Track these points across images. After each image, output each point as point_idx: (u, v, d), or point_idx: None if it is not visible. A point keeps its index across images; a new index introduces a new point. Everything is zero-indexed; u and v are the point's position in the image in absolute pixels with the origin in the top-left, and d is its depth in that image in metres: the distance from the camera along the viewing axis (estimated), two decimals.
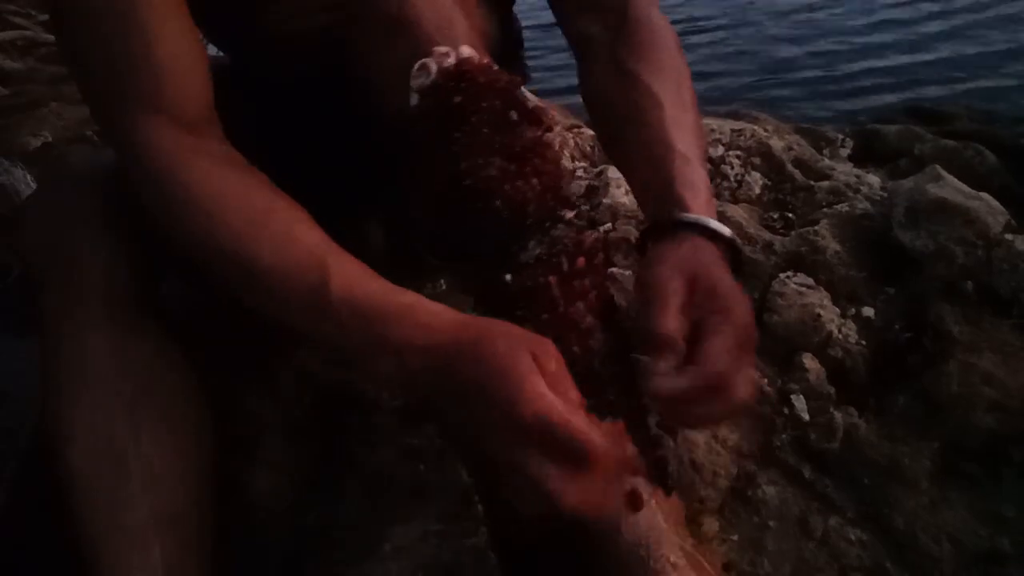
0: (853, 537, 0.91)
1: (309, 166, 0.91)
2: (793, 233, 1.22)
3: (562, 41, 0.90)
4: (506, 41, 0.97)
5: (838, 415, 0.99)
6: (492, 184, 0.66)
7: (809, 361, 1.04)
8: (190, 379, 0.86)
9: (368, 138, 0.77)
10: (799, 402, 1.01)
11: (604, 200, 1.38)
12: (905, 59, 3.42)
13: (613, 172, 1.41)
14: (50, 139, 2.15)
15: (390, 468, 1.00)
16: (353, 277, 0.65)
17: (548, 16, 0.90)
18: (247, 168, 0.73)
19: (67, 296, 0.82)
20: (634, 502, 0.67)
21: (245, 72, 0.97)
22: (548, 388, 0.57)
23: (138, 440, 0.80)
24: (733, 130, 1.48)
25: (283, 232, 0.68)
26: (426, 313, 0.63)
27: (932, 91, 2.94)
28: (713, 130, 1.50)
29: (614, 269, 1.19)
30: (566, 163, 1.60)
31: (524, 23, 1.14)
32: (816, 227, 1.20)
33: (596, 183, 1.45)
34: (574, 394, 0.60)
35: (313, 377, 1.11)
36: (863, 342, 1.07)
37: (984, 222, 1.10)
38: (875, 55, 3.51)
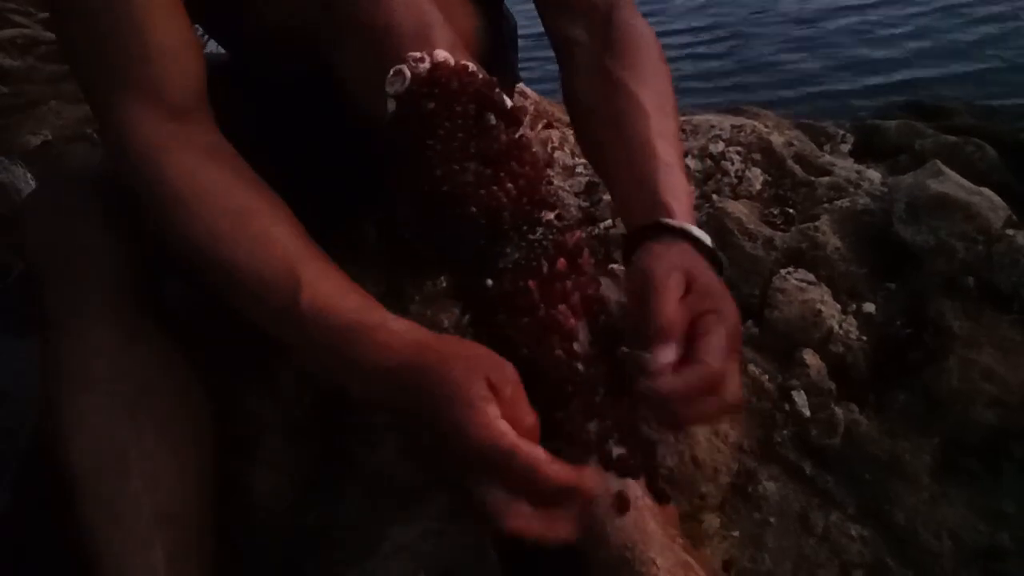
0: (854, 533, 0.91)
1: (308, 165, 0.92)
2: (794, 229, 1.22)
3: None
4: (495, 39, 0.97)
5: (839, 411, 0.99)
6: (468, 190, 0.66)
7: (810, 357, 1.04)
8: (191, 379, 0.87)
9: (364, 137, 0.77)
10: (800, 398, 1.01)
11: (604, 196, 1.38)
12: (906, 55, 3.41)
13: None
14: (50, 138, 2.15)
15: (390, 468, 1.00)
16: (324, 292, 0.65)
17: None
18: (233, 161, 0.73)
19: (68, 295, 0.82)
20: (621, 505, 0.67)
21: (245, 71, 0.97)
22: (502, 414, 0.58)
23: (139, 439, 0.80)
24: (733, 126, 1.48)
25: (261, 235, 0.68)
26: (389, 333, 0.64)
27: (933, 86, 2.94)
28: (713, 126, 1.49)
29: (614, 266, 1.19)
30: (566, 159, 1.60)
31: (525, 24, 1.14)
32: (817, 223, 1.20)
33: (596, 179, 1.45)
34: (530, 419, 0.61)
35: (313, 377, 1.11)
36: (864, 338, 1.07)
37: (985, 217, 1.10)
38: (875, 53, 3.51)
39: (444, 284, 1.19)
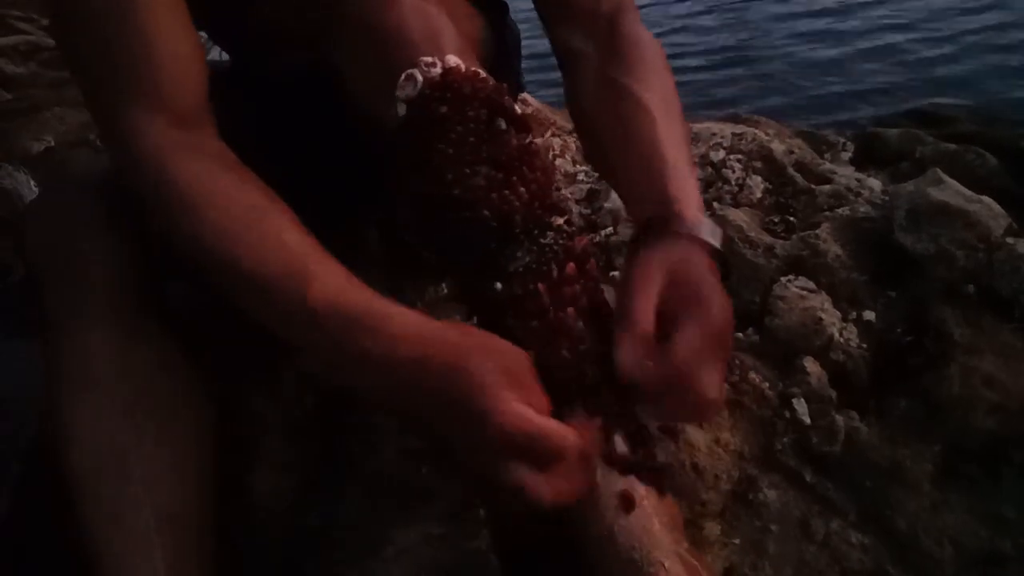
0: (855, 540, 0.91)
1: (308, 166, 0.92)
2: (794, 236, 1.22)
3: None
4: (499, 48, 0.98)
5: (839, 418, 0.99)
6: (479, 194, 0.66)
7: (810, 364, 1.04)
8: (192, 380, 0.87)
9: (366, 139, 0.78)
10: (800, 405, 1.01)
11: (605, 204, 1.39)
12: (906, 61, 3.42)
13: None
14: (52, 143, 2.16)
15: (391, 470, 1.00)
16: (335, 286, 0.65)
17: None
18: (238, 167, 0.73)
19: (70, 297, 0.82)
20: (626, 504, 0.68)
21: (244, 71, 0.97)
22: (518, 399, 0.59)
23: (139, 441, 0.80)
24: (734, 134, 1.48)
25: (268, 235, 0.68)
26: (400, 325, 0.64)
27: (933, 94, 2.95)
28: (714, 134, 1.50)
29: (615, 273, 1.19)
30: (568, 167, 1.60)
31: (527, 30, 1.15)
32: (817, 230, 1.20)
33: (597, 187, 1.46)
34: (543, 402, 0.62)
35: (314, 378, 1.11)
36: (864, 345, 1.07)
37: (985, 225, 1.10)
38: (875, 58, 3.52)
39: (446, 289, 1.19)
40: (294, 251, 0.67)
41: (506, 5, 1.08)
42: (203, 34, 0.83)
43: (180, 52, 0.74)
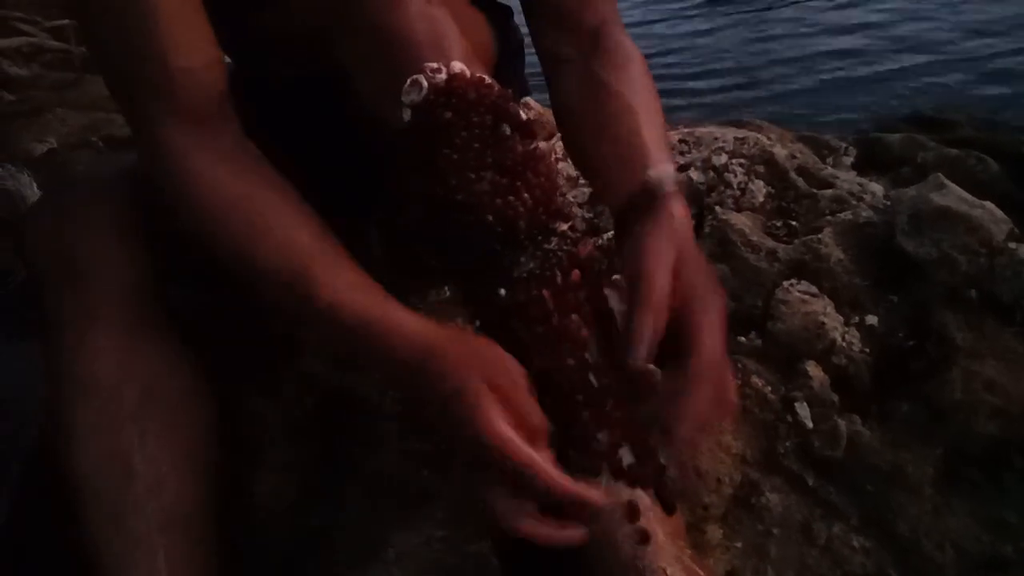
0: (856, 544, 0.91)
1: (310, 169, 0.92)
2: (796, 241, 1.22)
3: None
4: (504, 52, 0.98)
5: (841, 422, 0.99)
6: (484, 199, 0.66)
7: (812, 368, 1.04)
8: (196, 382, 0.87)
9: (369, 142, 0.78)
10: (803, 409, 1.01)
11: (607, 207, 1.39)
12: (907, 66, 3.42)
13: None
14: (55, 145, 2.16)
15: (392, 471, 1.01)
16: (340, 287, 0.67)
17: None
18: (258, 165, 0.75)
19: (72, 299, 0.82)
20: (631, 513, 0.68)
21: (245, 73, 0.97)
22: (506, 414, 0.59)
23: (143, 443, 0.80)
24: (736, 138, 1.48)
25: (280, 234, 0.70)
26: (398, 329, 0.65)
27: (934, 99, 2.95)
28: (716, 138, 1.50)
29: (616, 277, 1.19)
30: (570, 171, 1.61)
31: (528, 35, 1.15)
32: (819, 235, 1.20)
33: None
34: (535, 419, 0.62)
35: (315, 379, 1.11)
36: (866, 349, 1.07)
37: (987, 230, 1.11)
38: (876, 63, 3.52)
39: (448, 293, 1.19)
40: (303, 250, 0.69)
41: (510, 9, 1.09)
42: None
43: (201, 56, 0.75)
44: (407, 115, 0.68)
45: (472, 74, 0.68)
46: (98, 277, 0.82)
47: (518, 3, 1.02)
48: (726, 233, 1.21)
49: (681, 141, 1.51)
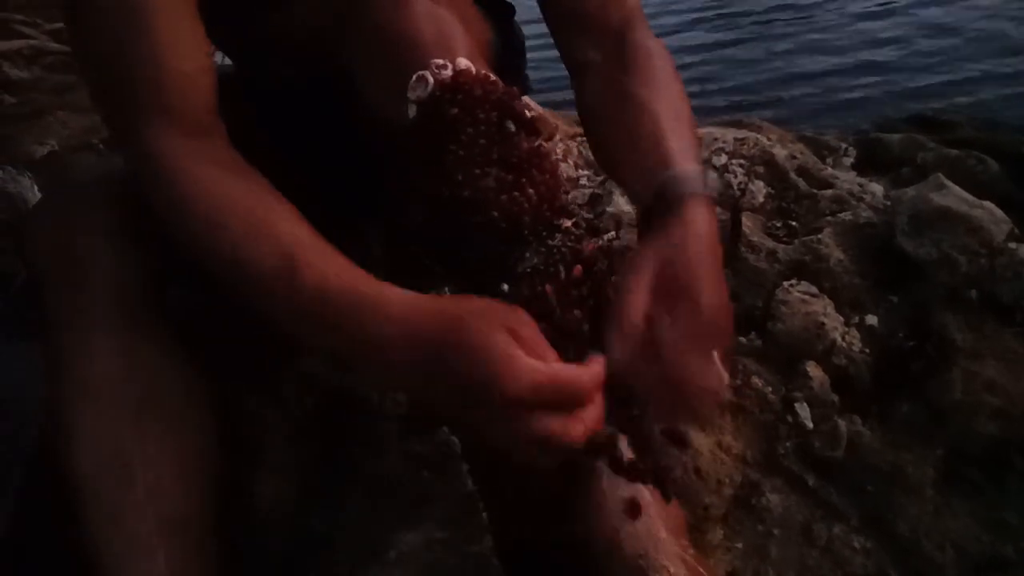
0: (857, 544, 0.91)
1: (310, 169, 0.92)
2: (796, 241, 1.23)
3: None
4: (506, 51, 0.98)
5: (842, 423, 0.99)
6: (488, 195, 0.66)
7: (813, 369, 1.04)
8: (196, 384, 0.86)
9: (370, 141, 0.78)
10: (803, 410, 1.01)
11: (607, 208, 1.39)
12: (907, 67, 3.42)
13: None
14: (56, 147, 2.16)
15: (393, 473, 1.01)
16: (323, 274, 0.65)
17: None
18: (249, 173, 0.74)
19: (73, 301, 0.82)
20: (633, 510, 0.68)
21: (246, 75, 0.97)
22: (528, 354, 0.58)
23: (144, 446, 0.80)
24: (736, 139, 1.48)
25: (261, 230, 0.69)
26: (401, 304, 0.63)
27: (934, 99, 2.95)
28: (716, 139, 1.50)
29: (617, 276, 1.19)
30: (570, 171, 1.61)
31: (529, 33, 1.15)
32: (820, 235, 1.20)
33: (599, 191, 1.46)
34: (550, 355, 0.61)
35: (315, 379, 1.11)
36: (867, 350, 1.07)
37: (987, 230, 1.11)
38: (877, 64, 3.52)
39: (447, 293, 1.19)
40: (284, 241, 0.68)
41: (513, 8, 1.09)
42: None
43: (190, 59, 0.74)
44: (412, 111, 0.68)
45: (478, 71, 0.68)
46: (98, 278, 0.82)
47: (520, 2, 1.03)
48: (726, 233, 1.21)
49: None
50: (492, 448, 0.63)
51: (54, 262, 0.84)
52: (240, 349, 1.01)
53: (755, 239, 1.22)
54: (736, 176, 1.39)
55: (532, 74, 1.15)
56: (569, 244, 0.69)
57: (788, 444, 1.00)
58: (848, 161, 1.74)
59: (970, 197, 1.15)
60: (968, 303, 1.08)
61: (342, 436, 1.07)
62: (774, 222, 1.33)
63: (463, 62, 0.68)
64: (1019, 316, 1.06)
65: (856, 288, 1.14)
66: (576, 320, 0.68)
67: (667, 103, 0.78)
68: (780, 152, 1.45)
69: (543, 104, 1.96)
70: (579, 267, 0.69)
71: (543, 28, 0.92)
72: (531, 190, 0.67)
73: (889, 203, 1.26)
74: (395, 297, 0.64)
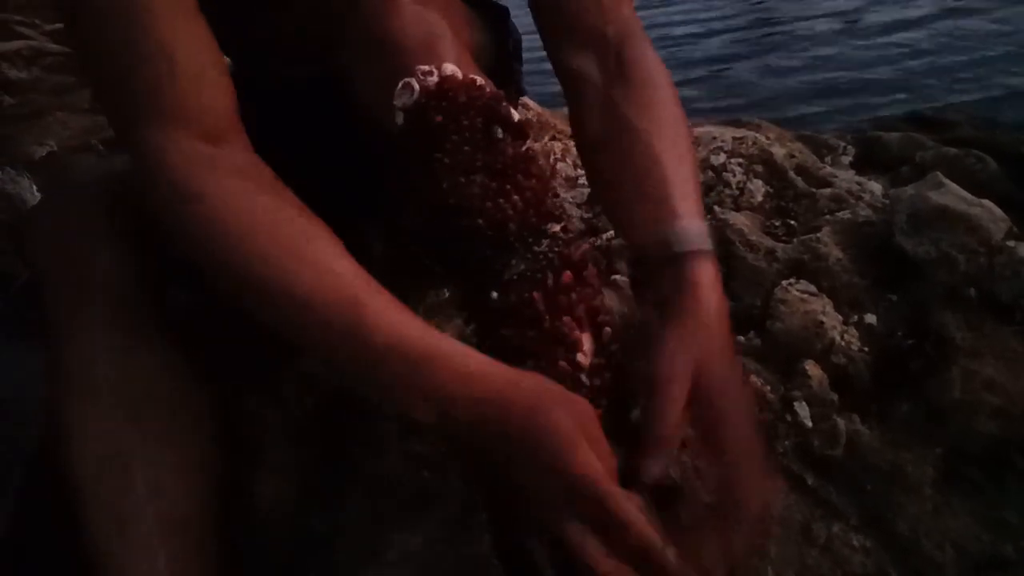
0: (856, 543, 0.91)
1: (310, 171, 0.92)
2: (795, 240, 1.23)
3: None
4: (500, 53, 0.98)
5: (841, 422, 0.99)
6: (474, 202, 0.66)
7: (812, 368, 1.04)
8: (197, 384, 0.86)
9: (369, 144, 0.78)
10: (802, 409, 1.01)
11: None
12: (906, 66, 3.43)
13: None
14: (55, 148, 2.16)
15: (393, 474, 1.01)
16: (392, 319, 0.63)
17: None
18: (276, 185, 0.71)
19: (72, 301, 0.82)
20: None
21: (246, 75, 0.97)
22: (592, 453, 0.58)
23: (143, 446, 0.80)
24: (735, 138, 1.49)
25: (320, 263, 0.66)
26: (466, 363, 0.62)
27: (933, 98, 2.95)
28: (715, 137, 1.50)
29: (616, 276, 1.19)
30: (568, 171, 1.61)
31: (526, 34, 1.15)
32: (818, 234, 1.20)
33: None
34: (611, 460, 0.61)
35: (315, 379, 1.11)
36: (865, 349, 1.07)
37: (986, 229, 1.11)
38: (876, 63, 3.52)
39: (448, 295, 1.19)
40: (349, 281, 0.65)
41: (506, 9, 1.08)
42: None
43: (202, 63, 0.71)
44: (400, 119, 0.68)
45: (464, 76, 0.68)
46: (98, 278, 0.82)
47: (517, 2, 1.03)
48: (725, 233, 1.22)
49: None
50: (518, 507, 0.63)
51: (54, 262, 0.83)
52: (240, 349, 1.01)
53: (754, 238, 1.22)
54: (734, 175, 1.39)
55: (532, 69, 1.15)
56: (557, 249, 0.68)
57: (787, 443, 1.00)
58: (847, 160, 1.74)
59: (969, 196, 1.16)
60: (967, 302, 1.08)
61: (342, 436, 1.07)
62: (773, 221, 1.33)
63: (449, 68, 0.68)
64: (1018, 315, 1.06)
65: (855, 287, 1.14)
66: (566, 326, 0.67)
67: (669, 140, 0.76)
68: (779, 151, 1.45)
69: (542, 103, 1.96)
70: (568, 273, 0.68)
71: None
72: (516, 196, 0.67)
73: (888, 202, 1.26)
74: (472, 357, 0.63)
